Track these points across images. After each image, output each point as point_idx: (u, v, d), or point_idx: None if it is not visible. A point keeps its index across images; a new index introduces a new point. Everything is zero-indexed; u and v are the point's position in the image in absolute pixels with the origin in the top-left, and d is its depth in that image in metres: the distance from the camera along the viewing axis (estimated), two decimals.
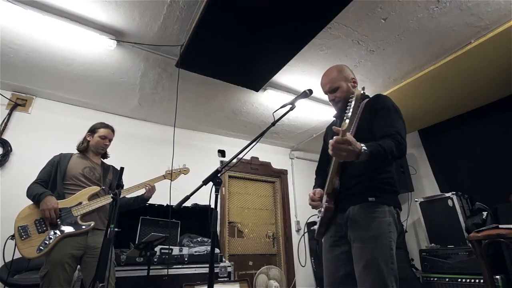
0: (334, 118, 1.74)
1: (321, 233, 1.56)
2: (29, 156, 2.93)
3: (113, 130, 2.25)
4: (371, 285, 1.25)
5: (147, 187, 2.19)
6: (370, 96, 1.57)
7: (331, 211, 1.45)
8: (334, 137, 1.17)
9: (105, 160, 2.28)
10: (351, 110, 1.20)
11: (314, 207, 1.54)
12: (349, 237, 1.39)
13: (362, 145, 1.19)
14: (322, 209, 1.48)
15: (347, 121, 1.19)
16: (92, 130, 2.19)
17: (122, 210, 2.16)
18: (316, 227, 1.58)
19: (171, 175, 2.33)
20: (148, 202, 2.30)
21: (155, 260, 2.56)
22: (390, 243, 1.30)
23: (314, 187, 1.66)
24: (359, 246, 1.33)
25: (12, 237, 1.78)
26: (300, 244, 4.38)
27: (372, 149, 1.20)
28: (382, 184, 1.40)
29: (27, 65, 2.70)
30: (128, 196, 2.19)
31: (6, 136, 2.93)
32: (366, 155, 1.18)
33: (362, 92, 1.23)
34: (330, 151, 1.19)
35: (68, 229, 1.84)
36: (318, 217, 1.55)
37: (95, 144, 2.16)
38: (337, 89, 1.56)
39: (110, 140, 2.23)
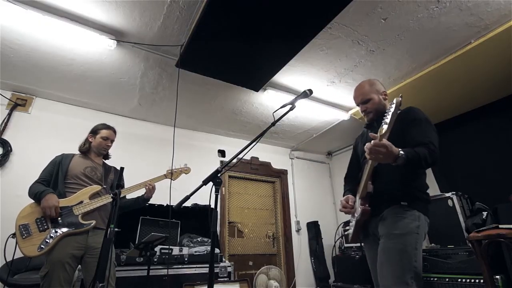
0: (365, 129, 1.80)
1: (357, 238, 1.62)
2: (29, 156, 2.93)
3: (114, 131, 2.26)
4: (389, 279, 1.29)
5: (147, 187, 2.19)
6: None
7: (368, 213, 1.48)
8: (372, 141, 1.23)
9: (106, 161, 2.29)
10: (389, 116, 1.23)
11: (345, 212, 1.62)
12: (379, 235, 1.45)
13: (400, 149, 1.26)
14: (358, 213, 1.51)
15: (385, 126, 1.22)
16: (94, 131, 2.20)
17: (124, 211, 2.16)
18: (350, 231, 1.63)
19: (172, 174, 2.32)
20: (148, 202, 2.30)
21: (155, 260, 2.56)
22: (416, 243, 1.35)
23: (345, 193, 1.73)
24: (384, 241, 1.39)
25: (13, 235, 1.78)
26: (300, 244, 4.38)
27: (408, 154, 1.27)
28: (416, 191, 1.46)
29: (27, 65, 2.70)
30: (129, 196, 2.19)
31: (6, 136, 2.93)
32: (403, 159, 1.25)
33: (400, 99, 1.27)
34: (367, 155, 1.26)
35: (69, 227, 1.84)
36: (351, 222, 1.61)
37: (97, 145, 2.16)
38: (369, 101, 1.65)
39: (112, 141, 2.24)
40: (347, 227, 1.75)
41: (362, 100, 1.66)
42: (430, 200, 1.51)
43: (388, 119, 1.22)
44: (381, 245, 1.41)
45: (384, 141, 1.21)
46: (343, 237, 3.96)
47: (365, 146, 1.26)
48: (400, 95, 1.35)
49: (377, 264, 1.40)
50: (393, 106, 1.23)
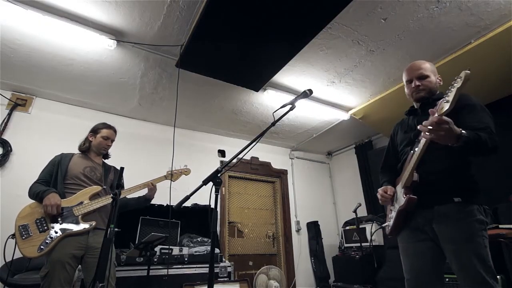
0: (406, 116, 1.69)
1: (398, 229, 1.50)
2: (29, 156, 2.93)
3: (115, 131, 2.25)
4: (471, 286, 1.23)
5: (149, 187, 2.19)
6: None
7: (414, 202, 1.37)
8: (432, 116, 1.12)
9: (106, 161, 2.28)
10: (453, 91, 1.09)
11: (384, 202, 1.53)
12: (435, 236, 1.35)
13: (461, 129, 1.15)
14: (401, 202, 1.42)
15: (446, 105, 1.08)
16: (95, 131, 2.19)
17: (125, 210, 2.16)
18: (390, 223, 1.52)
19: (173, 175, 2.32)
20: (150, 202, 2.29)
21: (155, 260, 2.56)
22: (484, 241, 1.27)
23: (383, 184, 1.63)
24: (452, 249, 1.29)
25: (13, 236, 1.77)
26: (300, 244, 4.38)
27: (470, 135, 1.16)
28: (467, 183, 1.36)
29: (27, 65, 2.70)
30: (130, 196, 2.19)
31: (6, 136, 2.93)
32: (466, 138, 1.14)
33: (469, 72, 1.10)
34: (426, 132, 1.15)
35: (69, 228, 1.84)
36: (391, 213, 1.51)
37: (97, 144, 2.15)
38: (426, 78, 1.54)
39: (112, 141, 2.23)
40: (386, 220, 1.59)
41: (421, 74, 1.53)
42: (481, 188, 1.40)
43: (450, 96, 1.06)
44: (450, 253, 1.30)
45: (445, 117, 1.09)
46: (343, 237, 3.95)
47: (421, 125, 1.14)
48: (469, 68, 1.14)
49: (455, 271, 1.30)
50: (459, 80, 1.06)
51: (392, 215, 1.50)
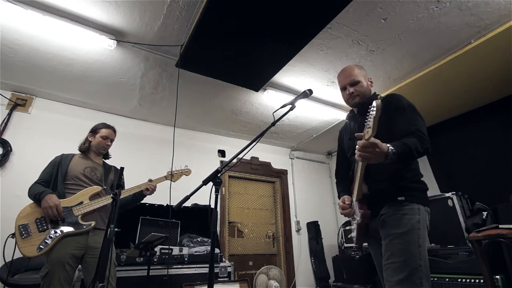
0: (347, 120, 1.74)
1: (361, 240, 1.56)
2: (29, 156, 2.93)
3: (114, 131, 2.25)
4: (397, 282, 1.23)
5: (150, 187, 2.18)
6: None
7: (368, 216, 1.42)
8: (359, 141, 1.19)
9: (106, 161, 2.28)
10: (371, 119, 1.17)
11: (346, 215, 1.55)
12: (381, 235, 1.40)
13: (389, 145, 1.21)
14: (358, 217, 1.46)
15: (370, 130, 1.17)
16: (94, 131, 2.19)
17: (122, 210, 2.15)
18: (353, 234, 1.58)
19: (173, 176, 2.32)
20: (148, 202, 2.28)
21: (155, 260, 2.56)
22: (419, 240, 1.28)
23: (339, 194, 1.67)
24: (386, 243, 1.33)
25: (13, 235, 1.77)
26: (300, 244, 4.38)
27: (398, 148, 1.22)
28: (411, 183, 1.40)
29: (27, 65, 2.70)
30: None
31: (6, 136, 2.93)
32: (394, 154, 1.21)
33: (380, 102, 1.19)
34: (356, 157, 1.22)
35: (68, 228, 1.84)
36: (353, 225, 1.56)
37: (96, 144, 2.16)
38: (358, 83, 1.58)
39: (111, 141, 2.23)
40: (350, 230, 1.68)
41: (352, 81, 1.58)
42: (427, 188, 1.46)
43: (370, 124, 1.17)
44: (384, 247, 1.35)
45: (372, 139, 1.17)
46: (343, 237, 3.96)
47: (356, 149, 1.22)
48: (378, 95, 1.26)
49: (383, 265, 1.34)
50: (374, 109, 1.17)
51: (354, 226, 1.54)
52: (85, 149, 2.16)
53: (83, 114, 3.40)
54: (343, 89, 1.64)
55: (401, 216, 1.33)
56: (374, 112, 1.16)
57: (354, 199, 1.49)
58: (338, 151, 1.81)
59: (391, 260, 1.28)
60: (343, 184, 1.68)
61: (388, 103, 1.46)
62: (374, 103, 1.16)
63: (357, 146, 1.20)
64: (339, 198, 1.64)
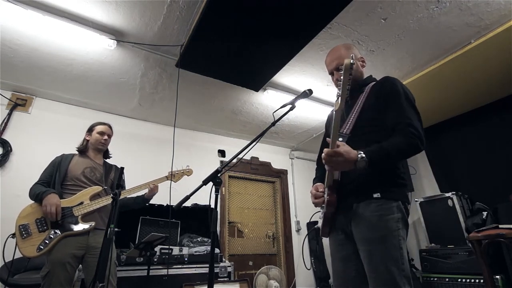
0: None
1: (326, 232, 1.42)
2: (29, 156, 2.93)
3: (110, 126, 2.26)
4: None
5: (150, 187, 2.18)
6: (377, 79, 1.44)
7: (334, 205, 1.29)
8: (325, 149, 1.12)
9: (107, 160, 2.29)
10: (341, 84, 1.05)
11: (317, 204, 1.38)
12: (354, 237, 1.27)
13: (360, 152, 1.12)
14: (324, 204, 1.33)
15: (339, 100, 1.04)
16: (90, 129, 2.22)
17: (122, 210, 2.15)
18: (319, 225, 1.44)
19: (174, 176, 2.32)
20: (148, 203, 2.29)
21: (155, 260, 2.56)
22: (399, 242, 1.18)
23: (314, 180, 1.52)
24: (366, 249, 1.21)
25: (13, 235, 1.78)
26: (300, 244, 4.38)
27: (371, 154, 1.13)
28: (388, 177, 1.27)
29: (27, 65, 2.70)
30: (129, 196, 2.19)
31: (6, 136, 2.93)
32: (365, 162, 1.11)
33: (351, 61, 1.04)
34: (325, 167, 1.16)
35: (68, 228, 1.84)
36: (321, 214, 1.42)
37: (94, 141, 2.16)
38: None
39: (109, 136, 2.23)
40: (318, 220, 1.52)
41: (338, 65, 1.40)
42: (407, 183, 1.32)
43: (340, 90, 1.02)
44: (363, 253, 1.22)
45: (340, 146, 1.09)
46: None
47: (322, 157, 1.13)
48: (352, 55, 1.09)
49: (367, 273, 1.21)
50: (342, 70, 0.99)
51: (321, 215, 1.41)
52: (84, 147, 2.17)
53: (83, 114, 3.40)
54: (331, 74, 1.48)
55: (378, 217, 1.20)
56: (342, 74, 1.04)
57: (325, 185, 1.35)
58: (324, 137, 1.61)
59: (374, 266, 1.18)
60: (321, 171, 1.50)
61: (381, 86, 1.35)
62: (344, 62, 1.03)
63: (322, 155, 1.12)
64: (313, 185, 1.48)
